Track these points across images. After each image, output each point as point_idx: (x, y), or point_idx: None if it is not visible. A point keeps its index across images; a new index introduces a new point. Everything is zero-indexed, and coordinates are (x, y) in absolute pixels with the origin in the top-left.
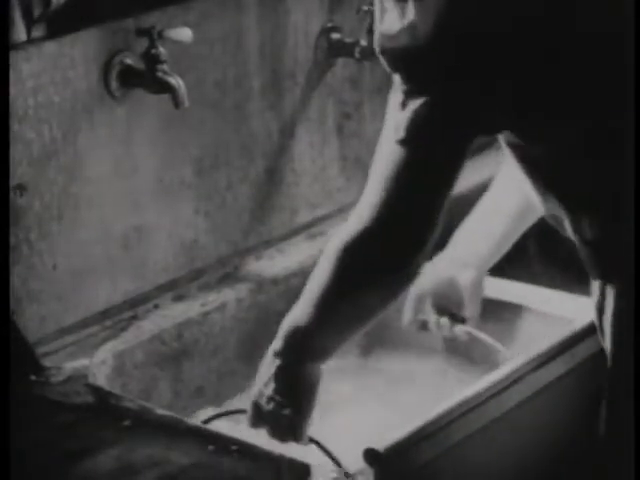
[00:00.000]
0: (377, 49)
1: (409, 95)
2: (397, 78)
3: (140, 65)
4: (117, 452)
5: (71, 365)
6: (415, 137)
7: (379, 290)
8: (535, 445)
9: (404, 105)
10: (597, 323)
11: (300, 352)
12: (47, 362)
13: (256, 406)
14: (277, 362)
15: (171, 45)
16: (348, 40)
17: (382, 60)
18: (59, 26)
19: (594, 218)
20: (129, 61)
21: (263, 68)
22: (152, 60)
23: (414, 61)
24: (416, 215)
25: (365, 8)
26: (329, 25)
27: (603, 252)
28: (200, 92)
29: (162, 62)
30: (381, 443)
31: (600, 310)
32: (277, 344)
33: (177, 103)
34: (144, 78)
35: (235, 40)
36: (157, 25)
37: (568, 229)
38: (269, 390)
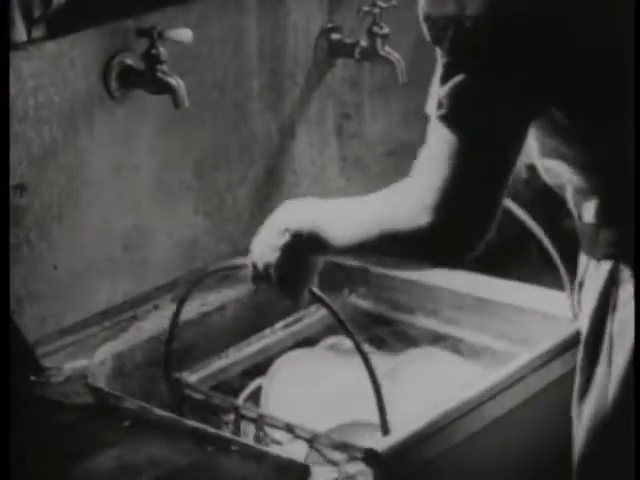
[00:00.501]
0: (420, 15)
1: (449, 69)
2: (437, 50)
3: (140, 65)
4: (117, 452)
5: (71, 365)
6: (456, 116)
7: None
8: (536, 445)
9: (444, 79)
10: (575, 298)
11: (312, 244)
12: (47, 362)
13: (256, 267)
14: (287, 238)
15: (171, 46)
16: (348, 41)
17: (424, 28)
18: (59, 26)
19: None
20: (129, 61)
21: (263, 68)
22: (152, 60)
23: (458, 33)
24: (475, 209)
25: (365, 9)
26: (329, 25)
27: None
28: (200, 92)
29: (162, 62)
30: (380, 444)
31: (580, 285)
32: (292, 222)
33: (177, 103)
34: (144, 78)
35: (235, 41)
36: (157, 26)
37: (577, 201)
38: (272, 257)
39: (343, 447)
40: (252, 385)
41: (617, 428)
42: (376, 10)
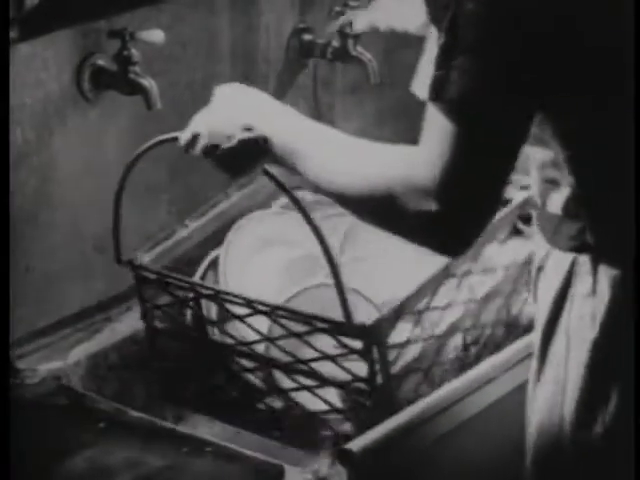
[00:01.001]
0: None
1: (447, 49)
2: (433, 29)
3: (112, 67)
4: (92, 454)
5: (45, 367)
6: (458, 98)
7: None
8: (514, 442)
9: (442, 60)
10: (532, 281)
11: (281, 160)
12: (21, 364)
13: (196, 139)
14: (248, 135)
15: (143, 47)
16: (320, 41)
17: (424, 3)
18: (32, 28)
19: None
20: (101, 63)
21: (235, 69)
22: (124, 62)
23: (459, 13)
24: (478, 199)
25: (337, 9)
26: (301, 26)
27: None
28: (172, 93)
29: (134, 64)
30: (354, 444)
31: (540, 269)
32: (259, 122)
33: (149, 104)
34: (116, 79)
35: (207, 41)
36: (129, 27)
37: (543, 190)
38: (222, 142)
39: (304, 318)
40: (209, 257)
41: (569, 424)
42: (348, 10)
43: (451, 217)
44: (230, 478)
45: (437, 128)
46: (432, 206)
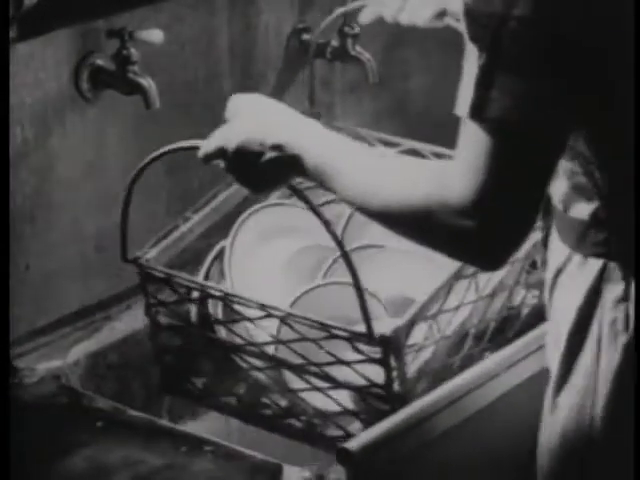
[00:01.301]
0: (461, 9)
1: (488, 68)
2: (472, 47)
3: (111, 66)
4: (91, 453)
5: (44, 366)
6: (503, 117)
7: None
8: (514, 441)
9: (483, 80)
10: (548, 284)
11: (312, 178)
12: (20, 363)
13: (219, 152)
14: (275, 155)
15: (142, 46)
16: (320, 41)
17: (463, 21)
18: (30, 27)
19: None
20: (100, 62)
21: (234, 69)
22: (123, 61)
23: (502, 32)
24: (518, 214)
25: (337, 9)
26: (300, 26)
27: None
28: (171, 93)
29: (133, 63)
30: (353, 443)
31: (558, 272)
32: (287, 141)
33: (148, 104)
34: (115, 79)
35: (206, 41)
36: (128, 26)
37: (569, 196)
38: (249, 161)
39: (315, 324)
40: (215, 249)
41: (599, 431)
42: (347, 10)
43: (487, 234)
44: (229, 477)
45: (475, 145)
46: (468, 223)
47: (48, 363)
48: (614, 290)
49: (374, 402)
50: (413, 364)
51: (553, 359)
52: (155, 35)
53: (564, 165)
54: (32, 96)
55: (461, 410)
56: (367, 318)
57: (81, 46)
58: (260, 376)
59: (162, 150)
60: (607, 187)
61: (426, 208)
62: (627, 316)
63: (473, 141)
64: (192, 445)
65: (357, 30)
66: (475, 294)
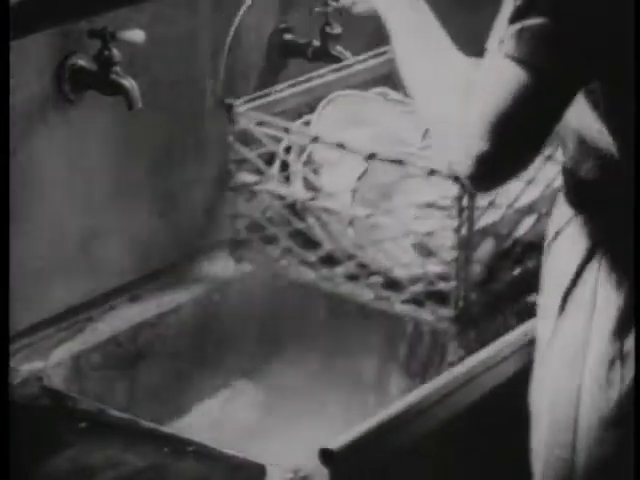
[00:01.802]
0: None
1: (522, 8)
2: None
3: (93, 67)
4: (73, 454)
5: (27, 367)
6: (527, 55)
7: None
8: (493, 444)
9: (515, 18)
10: (547, 243)
11: None
12: None
13: None
14: None
15: (124, 47)
16: (301, 41)
17: None
18: (12, 29)
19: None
20: (82, 63)
21: (216, 69)
22: (105, 62)
23: None
24: (522, 148)
25: (318, 9)
26: (282, 26)
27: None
28: (153, 93)
29: (115, 64)
30: (335, 443)
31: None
32: None
33: (131, 105)
34: (97, 80)
35: (188, 41)
36: (109, 27)
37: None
38: None
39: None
40: (300, 120)
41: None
42: (328, 10)
43: (491, 158)
44: (212, 477)
45: (497, 77)
46: (479, 144)
47: (31, 364)
48: (612, 250)
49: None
50: (481, 220)
51: (544, 325)
52: (137, 35)
53: (574, 122)
54: (14, 97)
55: (443, 409)
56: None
57: (63, 47)
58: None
59: None
60: (615, 147)
61: (447, 113)
62: (622, 277)
63: (497, 73)
64: (175, 446)
65: (339, 30)
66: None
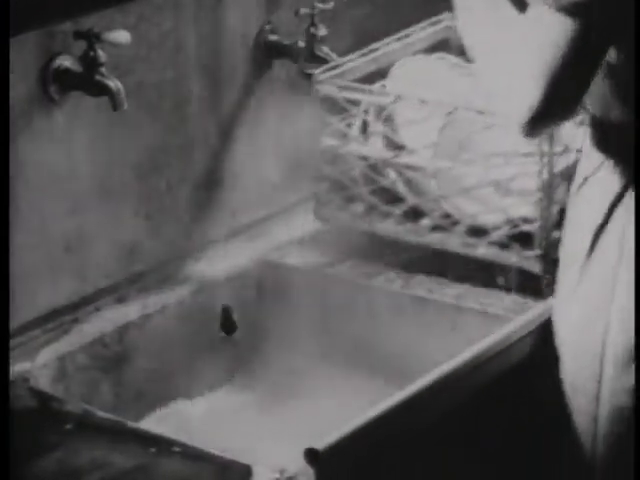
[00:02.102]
0: None
1: None
2: None
3: (78, 68)
4: (59, 455)
5: (13, 369)
6: (575, 9)
7: None
8: (478, 444)
9: None
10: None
11: None
12: None
13: None
14: None
15: (109, 48)
16: (286, 42)
17: None
18: None
19: None
20: (67, 64)
21: (201, 70)
22: (90, 63)
23: None
24: (576, 92)
25: (303, 10)
26: (267, 27)
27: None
28: (139, 94)
29: (100, 65)
30: (320, 443)
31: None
32: None
33: (116, 106)
34: (82, 81)
35: (173, 42)
36: (95, 28)
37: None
38: None
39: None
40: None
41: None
42: (314, 11)
43: (544, 106)
44: (198, 478)
45: (542, 28)
46: (532, 94)
47: (17, 365)
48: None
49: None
50: (559, 163)
51: (568, 273)
52: (122, 36)
53: (603, 69)
54: None
55: (427, 412)
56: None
57: (48, 48)
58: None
59: None
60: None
61: (505, 69)
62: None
63: (541, 24)
64: (161, 446)
65: (324, 31)
66: None
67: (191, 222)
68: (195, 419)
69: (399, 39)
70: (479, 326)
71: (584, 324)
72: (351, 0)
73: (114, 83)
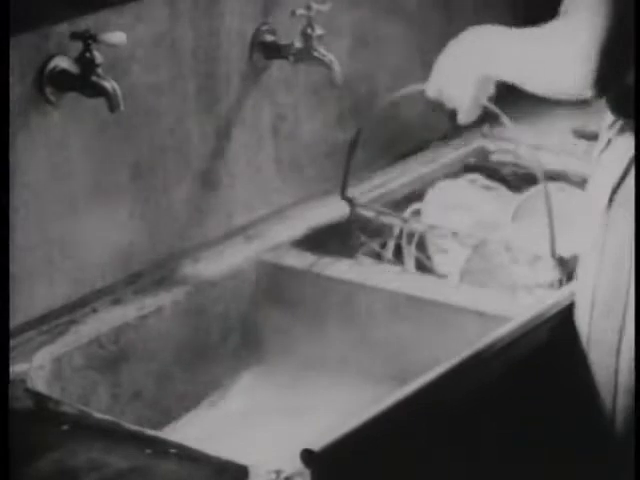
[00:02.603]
0: None
1: None
2: None
3: (75, 69)
4: (56, 456)
5: (10, 370)
6: None
7: None
8: (474, 447)
9: None
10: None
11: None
12: None
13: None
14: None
15: (105, 49)
16: (283, 42)
17: None
18: None
19: None
20: (63, 65)
21: (198, 70)
22: (86, 64)
23: None
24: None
25: (300, 11)
26: (263, 27)
27: None
28: (135, 95)
29: (97, 66)
30: (317, 443)
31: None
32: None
33: (112, 107)
34: (79, 82)
35: (169, 43)
36: (91, 29)
37: None
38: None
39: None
40: (410, 208)
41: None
42: (310, 12)
43: (603, 72)
44: (195, 479)
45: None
46: (591, 64)
47: (13, 367)
48: None
49: None
50: None
51: (592, 232)
52: (118, 37)
53: None
54: None
55: (421, 413)
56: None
57: (44, 49)
58: None
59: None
60: None
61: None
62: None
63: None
64: (157, 447)
65: (320, 32)
66: None
67: (187, 223)
68: (191, 419)
69: (433, 160)
70: (476, 326)
71: (606, 277)
72: (349, 1)
73: (110, 84)
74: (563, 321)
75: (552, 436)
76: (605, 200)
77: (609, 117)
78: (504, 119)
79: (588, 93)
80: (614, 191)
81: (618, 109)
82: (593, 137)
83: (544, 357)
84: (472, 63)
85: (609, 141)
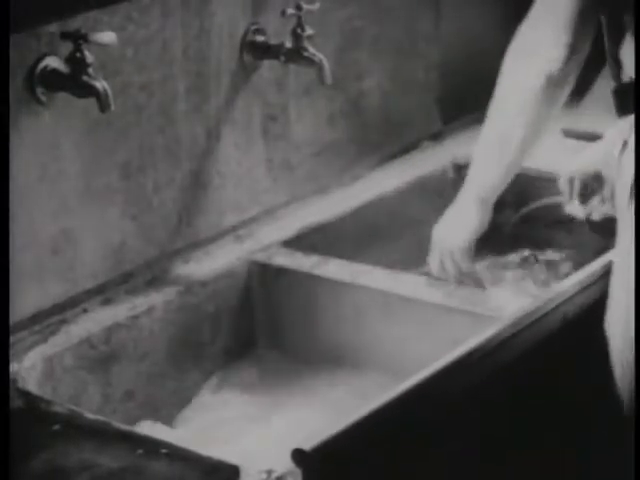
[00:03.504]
0: None
1: None
2: None
3: (65, 69)
4: (47, 456)
5: (9, 370)
6: None
7: None
8: (467, 445)
9: None
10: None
11: None
12: None
13: None
14: None
15: (96, 49)
16: (273, 42)
17: None
18: None
19: None
20: (54, 65)
21: (188, 71)
22: (77, 64)
23: None
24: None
25: (290, 11)
26: (253, 27)
27: None
28: (125, 95)
29: (87, 66)
30: (308, 443)
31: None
32: None
33: (103, 107)
34: (69, 82)
35: (160, 43)
36: (82, 29)
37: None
38: None
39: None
40: None
41: None
42: (300, 12)
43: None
44: (186, 479)
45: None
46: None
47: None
48: None
49: None
50: None
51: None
52: (109, 37)
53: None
54: None
55: (414, 412)
56: None
57: (35, 49)
58: None
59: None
60: None
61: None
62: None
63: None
64: (148, 447)
65: (310, 32)
66: None
67: (178, 223)
68: (182, 419)
69: None
70: (466, 326)
71: (623, 267)
72: (337, 1)
73: (101, 84)
74: (559, 320)
75: (552, 436)
76: (627, 197)
77: (619, 121)
78: None
79: None
80: (634, 188)
81: (622, 107)
82: (582, 136)
83: (540, 357)
84: None
85: (625, 143)
